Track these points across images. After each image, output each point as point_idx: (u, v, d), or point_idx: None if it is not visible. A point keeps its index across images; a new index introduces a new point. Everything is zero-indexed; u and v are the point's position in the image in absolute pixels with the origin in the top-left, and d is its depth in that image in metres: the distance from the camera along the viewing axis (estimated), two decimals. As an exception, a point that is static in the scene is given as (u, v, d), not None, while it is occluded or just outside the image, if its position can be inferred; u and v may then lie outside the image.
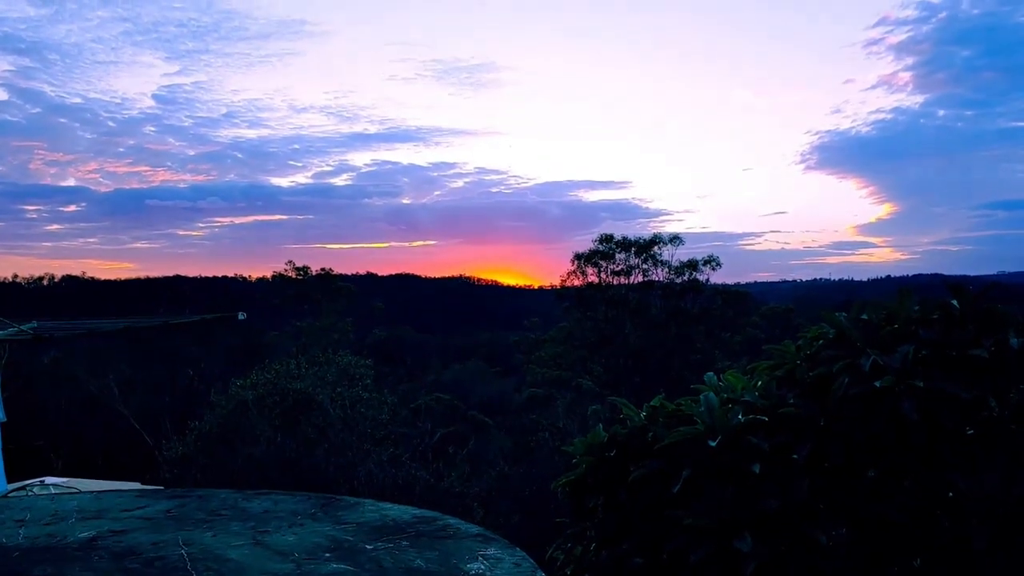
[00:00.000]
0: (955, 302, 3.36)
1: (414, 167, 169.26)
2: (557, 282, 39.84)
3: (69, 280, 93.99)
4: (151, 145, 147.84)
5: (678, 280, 37.18)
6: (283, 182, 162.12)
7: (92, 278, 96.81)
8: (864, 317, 3.54)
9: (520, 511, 15.27)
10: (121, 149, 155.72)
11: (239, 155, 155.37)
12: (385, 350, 51.24)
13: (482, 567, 2.84)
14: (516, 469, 17.41)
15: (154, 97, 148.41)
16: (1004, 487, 2.88)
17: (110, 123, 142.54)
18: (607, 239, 38.05)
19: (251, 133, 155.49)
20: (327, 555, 3.00)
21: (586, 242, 42.90)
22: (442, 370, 51.93)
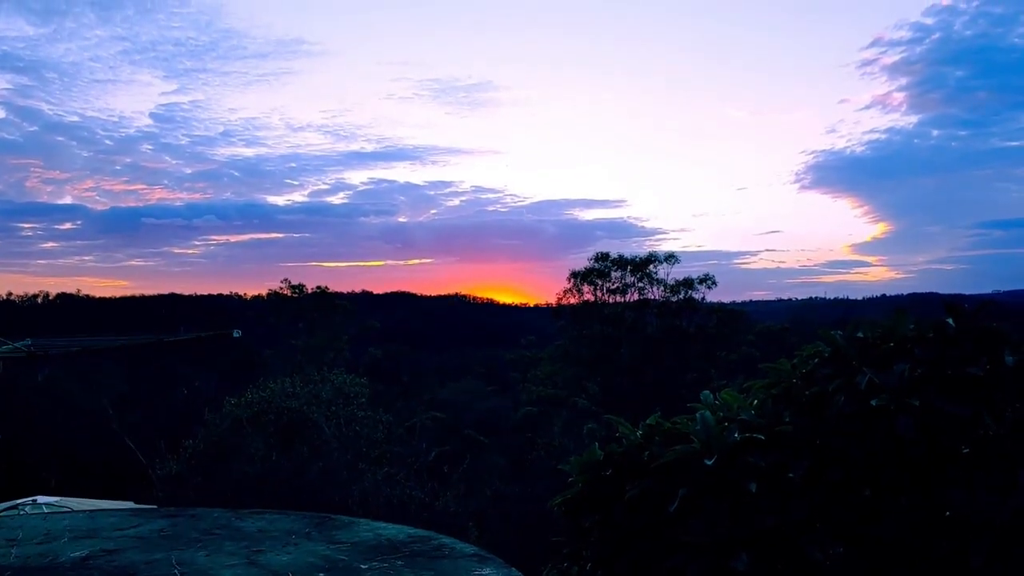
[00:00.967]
0: (950, 320, 3.37)
1: (411, 186, 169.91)
2: (553, 300, 39.93)
3: (64, 298, 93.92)
4: (148, 163, 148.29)
5: (674, 298, 37.24)
6: (279, 200, 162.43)
7: (87, 296, 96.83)
8: (860, 335, 3.55)
9: (516, 530, 15.19)
10: (118, 167, 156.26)
11: (235, 173, 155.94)
12: (381, 368, 51.13)
13: (478, 587, 2.82)
14: (512, 488, 17.35)
15: (151, 115, 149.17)
16: (1001, 504, 2.88)
17: (107, 141, 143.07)
18: (603, 257, 38.13)
19: (248, 151, 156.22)
20: (321, 575, 2.98)
21: (582, 260, 42.99)
22: (438, 388, 51.80)
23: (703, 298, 37.32)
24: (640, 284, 37.80)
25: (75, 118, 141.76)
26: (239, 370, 32.60)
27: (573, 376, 36.32)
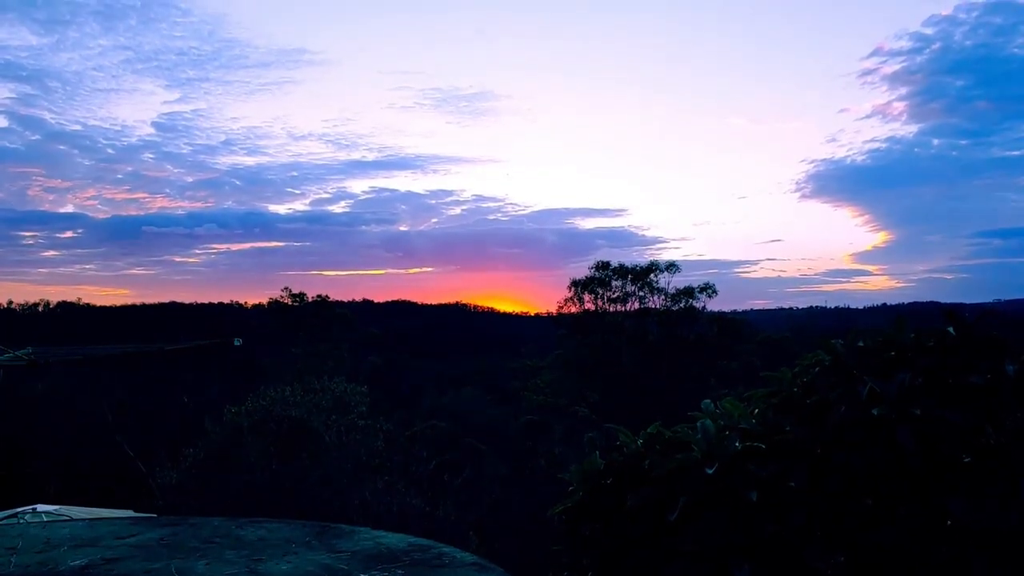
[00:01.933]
0: (951, 329, 3.37)
1: (412, 194, 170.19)
2: (554, 309, 39.91)
3: (65, 306, 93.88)
4: (149, 172, 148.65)
5: (674, 307, 37.22)
6: (280, 209, 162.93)
7: (88, 304, 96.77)
8: (860, 344, 3.55)
9: (516, 539, 15.15)
10: (119, 176, 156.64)
11: (237, 182, 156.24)
12: (381, 377, 51.09)
13: (478, 596, 2.81)
14: (512, 496, 17.31)
15: (153, 124, 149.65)
16: (1003, 514, 2.87)
17: (109, 150, 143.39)
18: (603, 266, 38.14)
19: (249, 160, 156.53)
20: (321, 583, 2.98)
21: (582, 269, 43.01)
22: (438, 397, 51.71)
23: (704, 307, 37.35)
24: (641, 293, 37.82)
25: (77, 127, 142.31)
26: (239, 378, 32.55)
27: (573, 385, 36.27)
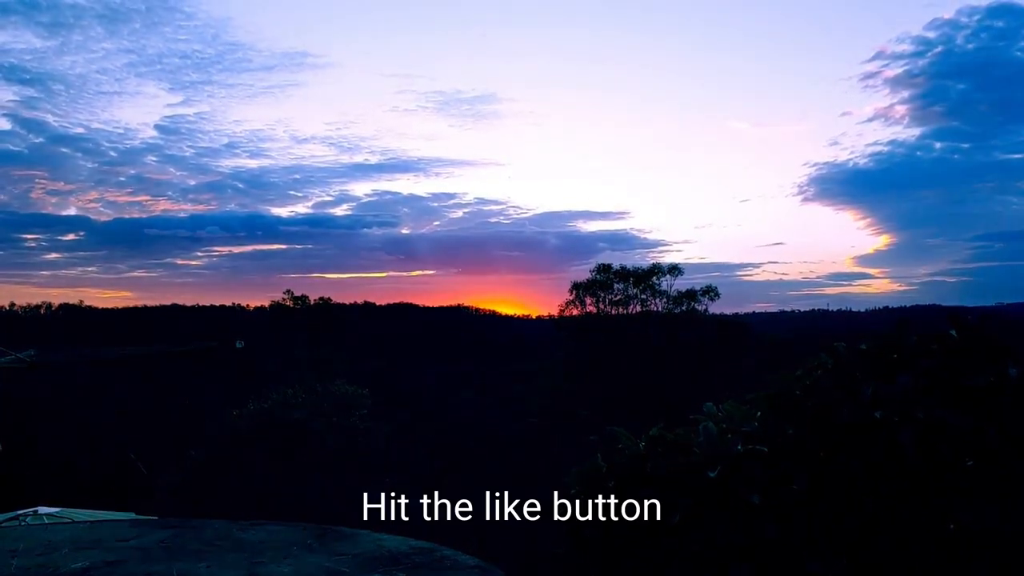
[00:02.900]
0: (954, 332, 3.36)
1: (414, 197, 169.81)
2: (555, 312, 39.83)
3: (67, 308, 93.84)
4: (152, 175, 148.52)
5: (676, 310, 37.15)
6: (283, 212, 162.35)
7: (90, 307, 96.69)
8: (863, 347, 3.54)
9: (517, 541, 15.12)
10: (122, 178, 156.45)
11: (240, 185, 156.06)
12: (382, 379, 51.02)
13: (479, 598, 2.80)
14: (513, 498, 17.25)
15: (156, 127, 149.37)
16: (1004, 518, 2.86)
17: (112, 153, 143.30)
18: (605, 269, 38.06)
19: (252, 163, 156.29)
20: (323, 586, 2.97)
21: (584, 272, 42.93)
22: (439, 399, 51.63)
23: (706, 310, 37.26)
24: (643, 296, 37.73)
25: (80, 130, 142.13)
26: (241, 381, 32.55)
27: (575, 387, 36.20)
